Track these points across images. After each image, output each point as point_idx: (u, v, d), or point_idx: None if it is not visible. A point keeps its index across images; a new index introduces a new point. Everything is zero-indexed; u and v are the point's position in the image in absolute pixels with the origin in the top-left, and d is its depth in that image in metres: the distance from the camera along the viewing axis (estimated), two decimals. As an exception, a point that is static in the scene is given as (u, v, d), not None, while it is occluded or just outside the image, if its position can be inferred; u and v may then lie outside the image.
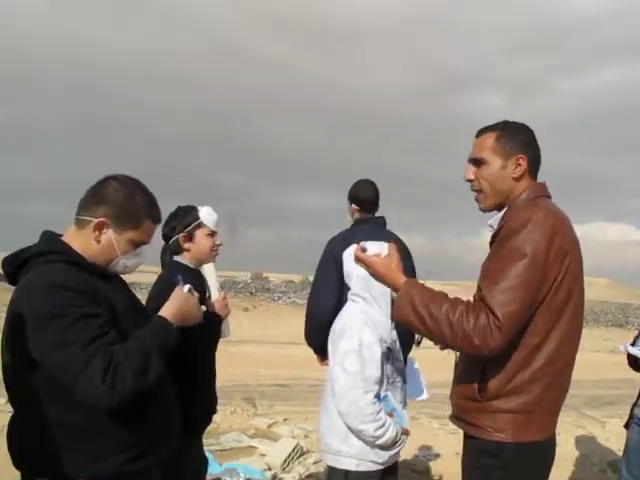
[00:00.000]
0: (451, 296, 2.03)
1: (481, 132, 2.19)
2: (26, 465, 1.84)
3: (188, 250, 2.84)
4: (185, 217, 2.83)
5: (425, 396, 3.34)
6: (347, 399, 2.60)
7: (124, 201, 1.89)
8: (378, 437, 2.58)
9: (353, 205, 3.83)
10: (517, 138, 2.13)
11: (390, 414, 2.66)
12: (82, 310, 1.70)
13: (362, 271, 2.42)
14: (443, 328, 1.91)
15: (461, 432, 2.19)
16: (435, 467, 5.09)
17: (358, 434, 2.60)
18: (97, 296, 1.79)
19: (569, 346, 2.03)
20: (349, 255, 2.71)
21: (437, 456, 5.42)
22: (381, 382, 2.64)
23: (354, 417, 2.58)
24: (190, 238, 2.83)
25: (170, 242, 2.85)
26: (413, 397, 3.34)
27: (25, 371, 1.76)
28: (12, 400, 1.87)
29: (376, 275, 2.14)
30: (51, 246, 1.87)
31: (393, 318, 2.10)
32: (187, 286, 2.05)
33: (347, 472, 2.67)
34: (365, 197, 3.81)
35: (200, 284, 2.78)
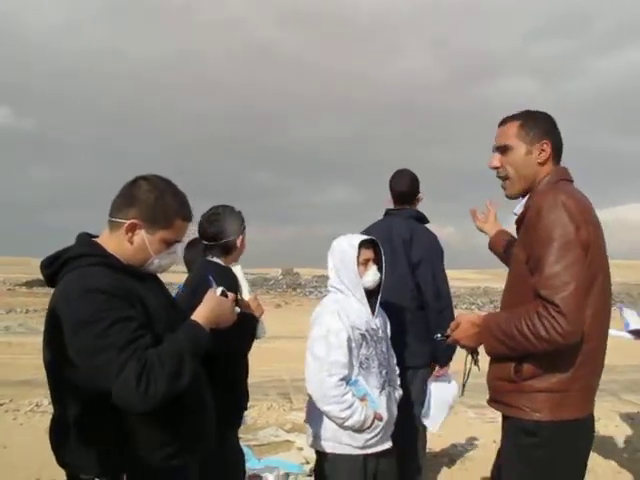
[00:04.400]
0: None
1: (504, 121, 2.27)
2: (70, 464, 1.89)
3: (237, 249, 2.93)
4: (241, 219, 2.94)
5: (430, 426, 3.37)
6: (313, 382, 2.80)
7: (155, 202, 1.91)
8: (345, 419, 2.75)
9: (388, 196, 3.87)
10: (540, 125, 2.21)
11: (363, 399, 2.80)
12: (117, 314, 1.73)
13: (336, 264, 2.91)
14: (519, 340, 1.97)
15: (497, 421, 2.24)
16: (472, 456, 5.07)
17: (327, 416, 2.79)
18: (132, 297, 1.82)
19: (599, 323, 2.07)
20: (331, 252, 2.97)
21: (474, 445, 5.40)
22: (350, 367, 2.79)
23: (320, 399, 2.79)
24: (242, 240, 2.95)
25: (225, 241, 2.89)
26: (423, 421, 3.40)
27: (64, 372, 1.81)
28: (54, 400, 1.92)
29: (468, 345, 2.24)
30: (87, 249, 1.91)
31: (487, 354, 2.18)
32: (220, 288, 2.06)
33: (325, 454, 2.87)
34: (396, 188, 3.84)
35: (234, 283, 2.83)
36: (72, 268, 1.85)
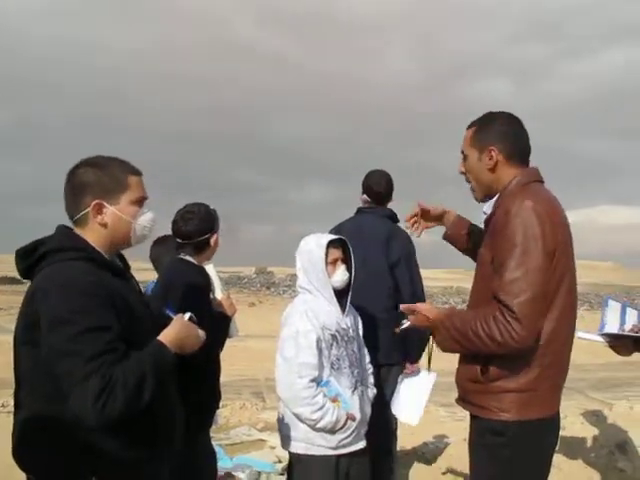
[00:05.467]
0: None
1: (468, 126, 2.28)
2: (33, 469, 1.83)
3: (210, 248, 2.92)
4: (216, 218, 2.93)
5: (410, 421, 3.37)
6: (283, 384, 2.79)
7: (100, 175, 1.89)
8: (316, 420, 2.73)
9: (364, 195, 3.87)
10: (491, 130, 2.20)
11: (334, 399, 2.79)
12: (95, 320, 1.69)
13: (304, 265, 2.89)
14: (474, 341, 2.00)
15: (468, 419, 2.24)
16: (444, 454, 5.11)
17: (298, 417, 2.77)
18: (114, 296, 1.78)
19: (566, 323, 2.09)
20: (299, 252, 2.95)
21: (445, 443, 5.44)
22: (321, 368, 2.79)
23: (290, 401, 2.77)
24: (216, 239, 2.94)
25: (199, 239, 2.86)
26: (399, 417, 3.41)
27: (34, 369, 1.77)
28: (18, 400, 1.86)
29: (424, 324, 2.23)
30: (68, 242, 1.86)
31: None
32: (187, 314, 2.02)
33: (298, 455, 2.85)
34: (374, 188, 3.84)
35: (207, 281, 2.81)
36: (52, 262, 1.80)
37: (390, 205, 3.92)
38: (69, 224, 1.93)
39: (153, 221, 1.99)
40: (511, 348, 1.94)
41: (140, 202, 1.95)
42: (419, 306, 2.25)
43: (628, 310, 2.21)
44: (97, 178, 1.88)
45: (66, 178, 1.92)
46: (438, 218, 2.64)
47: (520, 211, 1.99)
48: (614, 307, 2.24)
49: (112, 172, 1.91)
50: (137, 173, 1.98)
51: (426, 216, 2.64)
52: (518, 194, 2.07)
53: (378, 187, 3.83)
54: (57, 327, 1.67)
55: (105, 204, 1.88)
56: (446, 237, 2.67)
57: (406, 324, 2.30)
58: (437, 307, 2.25)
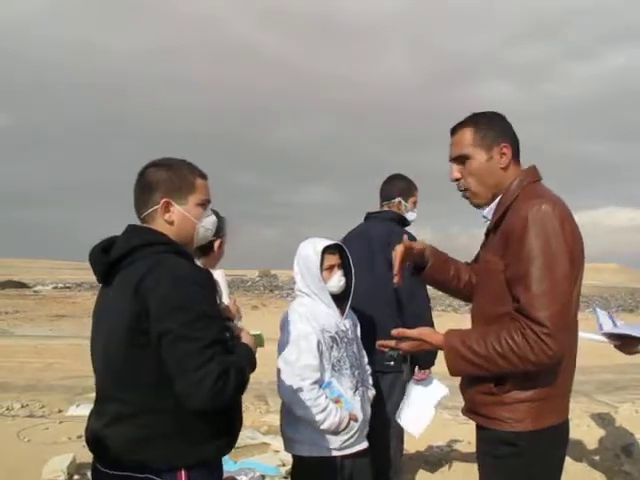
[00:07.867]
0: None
1: (455, 129, 2.14)
2: (129, 457, 1.82)
3: (214, 253, 2.91)
4: (224, 226, 2.92)
5: (413, 431, 3.33)
6: (286, 387, 2.78)
7: (171, 175, 1.97)
8: (319, 422, 2.74)
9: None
10: (495, 127, 2.09)
11: (337, 400, 2.80)
12: (206, 307, 1.80)
13: (301, 269, 2.92)
14: (499, 363, 1.89)
15: (472, 422, 2.16)
16: (448, 458, 5.10)
17: (302, 420, 2.78)
18: (213, 288, 1.94)
19: (575, 327, 2.02)
20: (297, 257, 2.98)
21: (450, 447, 5.44)
22: (322, 369, 2.80)
23: (294, 404, 2.78)
24: (220, 244, 2.93)
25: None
26: (403, 426, 3.35)
27: (137, 356, 1.80)
28: (108, 390, 1.89)
29: (424, 348, 2.10)
30: (153, 237, 1.92)
31: (451, 375, 2.04)
32: (258, 331, 2.19)
33: (302, 458, 2.85)
34: (382, 188, 3.91)
35: (214, 287, 2.82)
36: (142, 256, 1.85)
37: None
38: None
39: (214, 224, 2.09)
40: (543, 365, 1.86)
41: (205, 205, 2.03)
42: (414, 332, 2.10)
43: (614, 318, 2.25)
44: (167, 177, 1.96)
45: (137, 177, 2.01)
46: (420, 254, 2.32)
47: (538, 217, 1.88)
48: (602, 313, 2.27)
49: (182, 173, 1.99)
50: (204, 176, 2.05)
51: (408, 254, 2.27)
52: (533, 199, 1.94)
53: (385, 186, 3.89)
54: (172, 313, 1.74)
55: (173, 203, 1.95)
56: (428, 270, 2.35)
57: (394, 354, 2.13)
58: (437, 332, 2.09)
